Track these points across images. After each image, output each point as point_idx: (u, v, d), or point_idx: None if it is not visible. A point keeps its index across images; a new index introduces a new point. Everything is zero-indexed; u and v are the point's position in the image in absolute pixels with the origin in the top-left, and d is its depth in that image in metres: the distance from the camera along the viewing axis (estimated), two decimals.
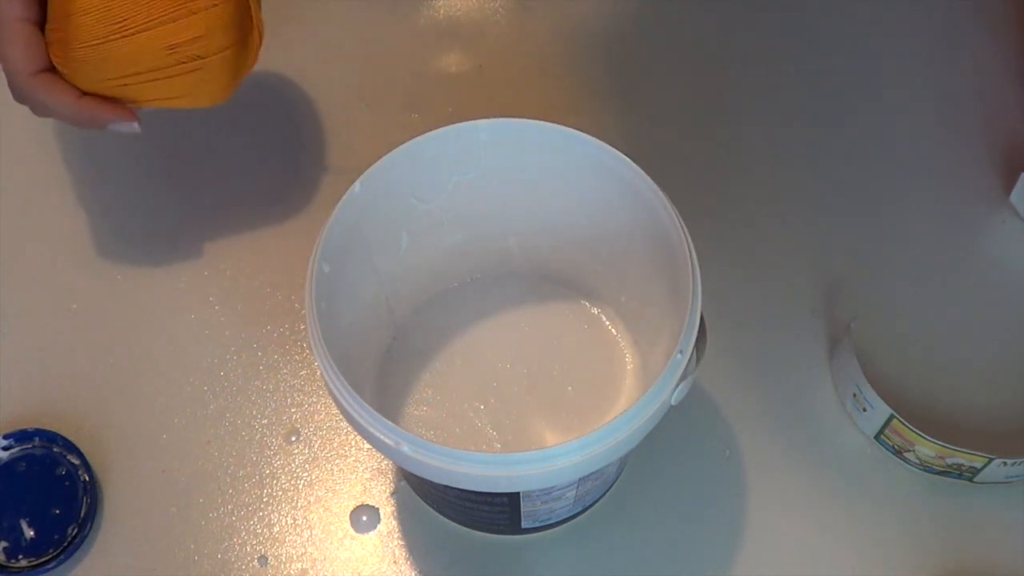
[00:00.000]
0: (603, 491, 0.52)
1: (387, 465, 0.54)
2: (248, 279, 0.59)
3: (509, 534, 0.51)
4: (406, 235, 0.50)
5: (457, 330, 0.53)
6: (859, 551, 0.51)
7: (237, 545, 0.52)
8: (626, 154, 0.46)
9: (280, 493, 0.53)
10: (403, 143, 0.47)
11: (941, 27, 0.68)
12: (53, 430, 0.53)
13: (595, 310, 0.54)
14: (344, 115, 0.65)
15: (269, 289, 0.58)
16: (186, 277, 0.59)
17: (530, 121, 0.47)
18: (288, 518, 0.53)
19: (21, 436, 0.53)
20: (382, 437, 0.41)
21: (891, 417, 0.51)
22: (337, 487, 0.53)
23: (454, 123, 0.47)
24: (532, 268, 0.54)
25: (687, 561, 0.51)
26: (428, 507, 0.52)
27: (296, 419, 0.55)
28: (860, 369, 0.52)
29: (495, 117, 0.47)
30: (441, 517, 0.52)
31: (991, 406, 0.55)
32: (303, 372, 0.56)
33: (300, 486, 0.53)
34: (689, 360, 0.42)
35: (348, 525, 0.52)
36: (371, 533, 0.52)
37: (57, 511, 0.52)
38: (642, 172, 0.46)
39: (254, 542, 0.52)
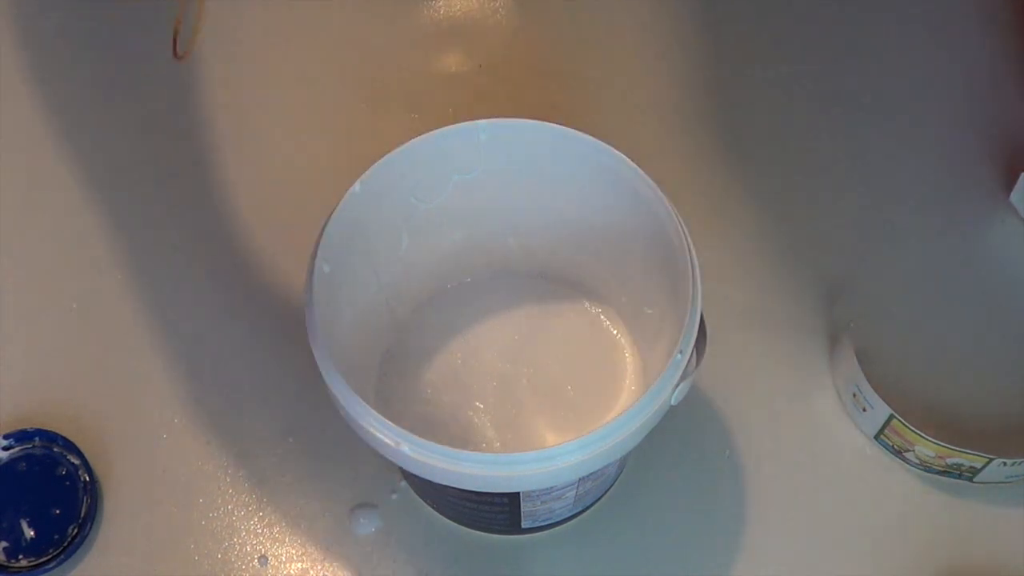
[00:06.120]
0: (603, 491, 0.52)
1: (387, 465, 0.54)
2: (248, 279, 0.59)
3: (509, 534, 0.51)
4: (406, 235, 0.50)
5: (457, 330, 0.53)
6: (859, 551, 0.51)
7: (237, 545, 0.52)
8: (626, 154, 0.46)
9: (280, 493, 0.53)
10: (403, 143, 0.47)
11: (941, 27, 0.68)
12: (53, 430, 0.53)
13: (595, 310, 0.54)
14: (344, 115, 0.65)
15: (269, 289, 0.58)
16: (186, 277, 0.59)
17: (530, 121, 0.47)
18: (288, 518, 0.53)
19: (21, 436, 0.53)
20: (382, 437, 0.41)
21: (891, 417, 0.51)
22: (337, 487, 0.53)
23: (454, 123, 0.47)
24: (532, 268, 0.54)
25: (687, 561, 0.51)
26: (428, 507, 0.52)
27: (296, 419, 0.55)
28: (860, 369, 0.52)
29: (495, 117, 0.47)
30: (441, 517, 0.52)
31: (991, 406, 0.55)
32: (303, 372, 0.56)
33: (300, 486, 0.53)
34: (689, 360, 0.42)
35: (348, 525, 0.52)
36: (371, 533, 0.52)
37: (57, 511, 0.52)
38: (642, 172, 0.46)
39: (254, 542, 0.52)
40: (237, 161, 0.63)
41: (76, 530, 0.51)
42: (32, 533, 0.51)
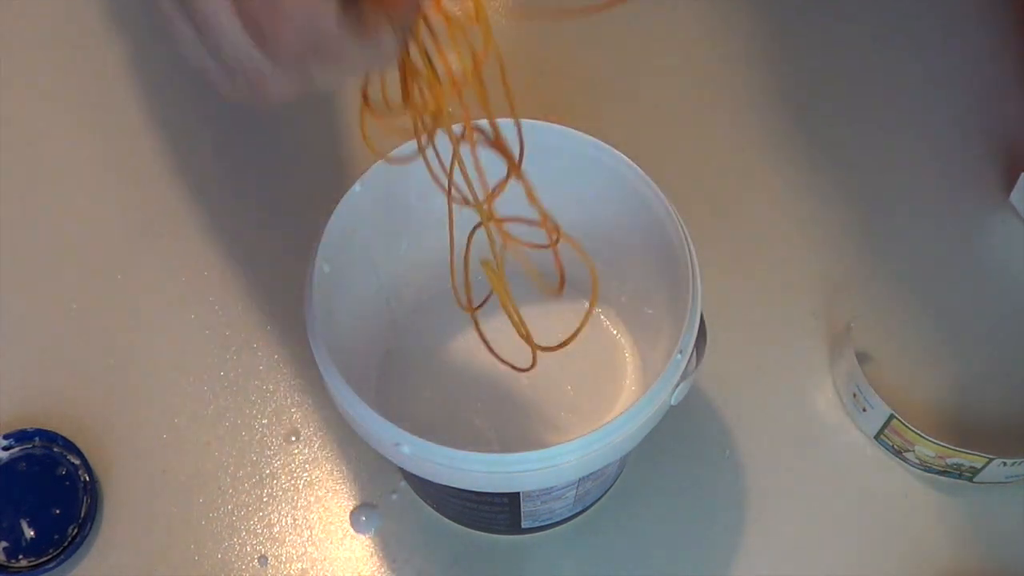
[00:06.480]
0: (603, 491, 0.52)
1: (387, 465, 0.54)
2: (248, 279, 0.59)
3: (509, 534, 0.51)
4: (406, 235, 0.50)
5: (457, 330, 0.53)
6: (859, 551, 0.51)
7: (237, 545, 0.52)
8: (626, 154, 0.46)
9: (280, 493, 0.53)
10: (403, 143, 0.47)
11: (941, 27, 0.68)
12: (53, 430, 0.53)
13: (596, 310, 0.54)
14: (344, 115, 0.65)
15: (269, 289, 0.58)
16: (186, 277, 0.59)
17: (530, 121, 0.47)
18: (288, 518, 0.53)
19: (21, 436, 0.53)
20: (382, 437, 0.41)
21: (891, 417, 0.51)
22: (337, 487, 0.53)
23: (454, 123, 0.47)
24: (532, 268, 0.54)
25: (687, 561, 0.51)
26: (428, 507, 0.52)
27: (296, 419, 0.55)
28: (860, 369, 0.52)
29: (495, 117, 0.47)
30: (441, 517, 0.52)
31: (991, 406, 0.55)
32: (303, 372, 0.56)
33: (300, 486, 0.53)
34: (689, 360, 0.42)
35: (348, 525, 0.52)
36: (371, 533, 0.52)
37: (57, 511, 0.52)
38: (642, 172, 0.46)
39: (254, 542, 0.52)
40: (237, 161, 0.63)
41: (76, 530, 0.51)
42: (32, 533, 0.51)
